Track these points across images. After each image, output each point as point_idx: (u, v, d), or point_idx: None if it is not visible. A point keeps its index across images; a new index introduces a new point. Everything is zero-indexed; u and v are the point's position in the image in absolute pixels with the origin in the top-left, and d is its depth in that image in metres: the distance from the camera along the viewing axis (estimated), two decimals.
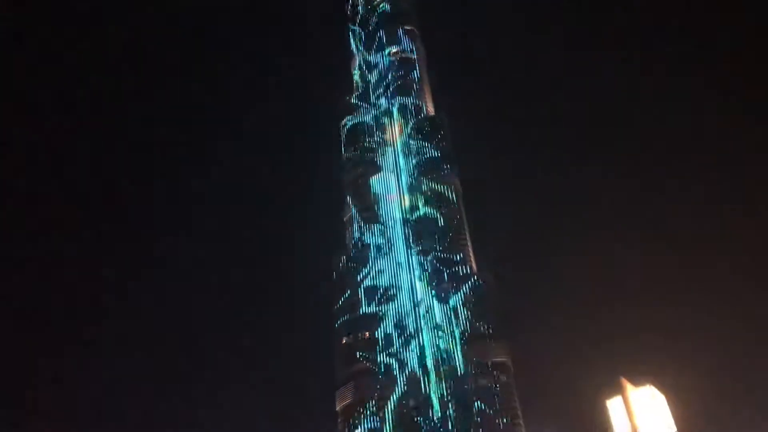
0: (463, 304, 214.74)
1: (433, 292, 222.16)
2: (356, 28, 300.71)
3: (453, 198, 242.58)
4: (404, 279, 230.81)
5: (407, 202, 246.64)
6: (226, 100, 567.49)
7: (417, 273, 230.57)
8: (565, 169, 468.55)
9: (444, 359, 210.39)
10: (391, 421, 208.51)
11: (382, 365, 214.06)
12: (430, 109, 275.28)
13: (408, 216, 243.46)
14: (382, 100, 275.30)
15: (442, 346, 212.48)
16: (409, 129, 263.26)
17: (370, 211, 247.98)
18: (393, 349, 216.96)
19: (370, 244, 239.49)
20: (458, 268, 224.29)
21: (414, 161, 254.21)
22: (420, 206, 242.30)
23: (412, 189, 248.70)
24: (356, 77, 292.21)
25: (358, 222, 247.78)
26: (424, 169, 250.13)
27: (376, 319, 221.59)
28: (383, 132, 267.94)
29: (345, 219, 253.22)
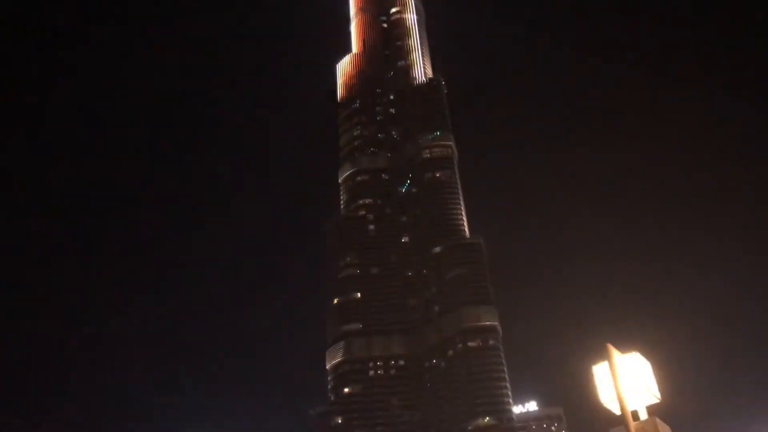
0: (455, 266, 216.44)
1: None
2: None
3: (448, 161, 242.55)
4: (398, 241, 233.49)
5: (402, 165, 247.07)
6: (218, 55, 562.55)
7: (409, 234, 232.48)
8: (562, 142, 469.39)
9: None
10: None
11: None
12: (428, 70, 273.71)
13: (403, 178, 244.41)
14: (381, 62, 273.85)
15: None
16: (406, 91, 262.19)
17: (366, 174, 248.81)
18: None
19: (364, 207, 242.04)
20: (451, 230, 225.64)
21: (410, 125, 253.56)
22: (415, 170, 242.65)
23: (407, 151, 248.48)
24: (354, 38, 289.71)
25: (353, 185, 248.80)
26: (421, 132, 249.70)
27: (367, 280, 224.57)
28: (380, 94, 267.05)
29: (340, 181, 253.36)
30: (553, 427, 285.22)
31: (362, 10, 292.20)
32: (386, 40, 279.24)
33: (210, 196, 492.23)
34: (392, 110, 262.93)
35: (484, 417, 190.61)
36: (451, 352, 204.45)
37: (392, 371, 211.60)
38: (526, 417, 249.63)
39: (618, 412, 16.03)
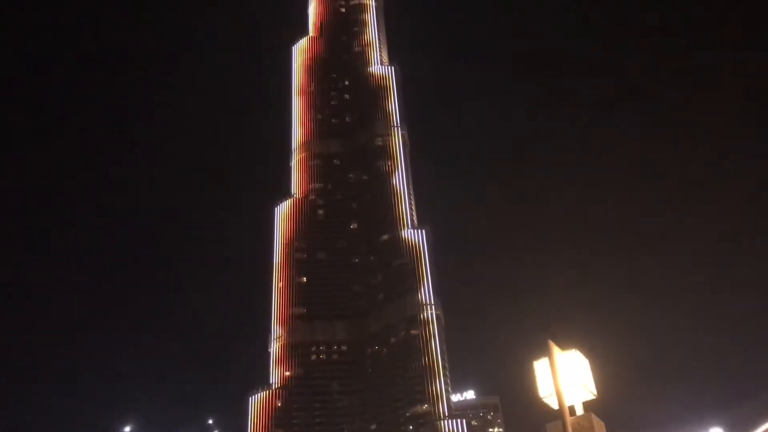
0: (401, 255, 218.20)
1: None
2: None
3: (399, 150, 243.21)
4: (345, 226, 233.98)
5: (354, 152, 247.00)
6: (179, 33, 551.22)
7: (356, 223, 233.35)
8: (517, 138, 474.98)
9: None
10: None
11: None
12: (384, 58, 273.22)
13: (354, 165, 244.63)
14: (338, 47, 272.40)
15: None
16: (361, 78, 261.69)
17: (318, 159, 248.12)
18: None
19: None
20: (399, 219, 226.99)
21: (364, 111, 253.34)
22: (367, 157, 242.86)
23: (360, 138, 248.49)
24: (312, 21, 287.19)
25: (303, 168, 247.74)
26: (374, 119, 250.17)
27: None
28: (335, 79, 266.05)
29: (292, 163, 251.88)
30: (489, 416, 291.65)
31: None
32: (344, 25, 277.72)
33: (156, 175, 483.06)
34: (347, 96, 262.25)
35: (423, 404, 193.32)
36: (393, 340, 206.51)
37: (334, 356, 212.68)
38: (464, 405, 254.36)
39: (556, 407, 16.96)
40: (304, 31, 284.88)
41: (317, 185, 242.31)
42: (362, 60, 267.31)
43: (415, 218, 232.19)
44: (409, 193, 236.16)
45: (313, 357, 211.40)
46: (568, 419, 16.53)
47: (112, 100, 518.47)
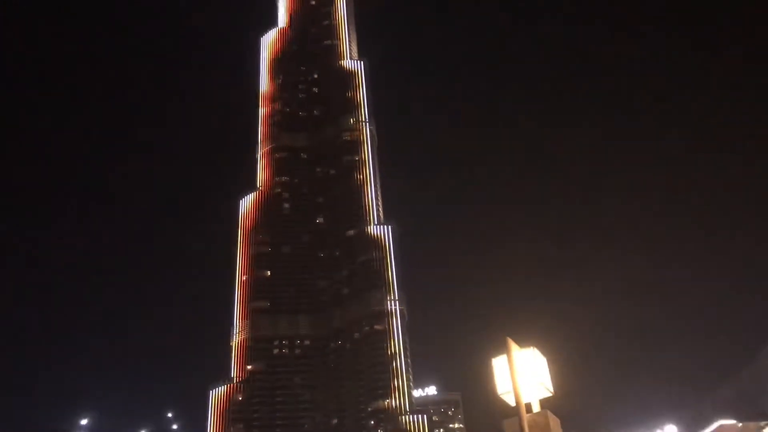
0: (366, 251, 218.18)
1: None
2: None
3: (366, 145, 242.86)
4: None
5: (321, 146, 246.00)
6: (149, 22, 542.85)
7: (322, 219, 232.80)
8: (482, 135, 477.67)
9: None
10: None
11: None
12: (353, 52, 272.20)
13: (321, 159, 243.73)
14: (307, 40, 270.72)
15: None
16: (330, 71, 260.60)
17: (285, 152, 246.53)
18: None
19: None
20: (365, 215, 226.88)
21: (332, 105, 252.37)
22: (334, 151, 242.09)
23: (328, 132, 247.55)
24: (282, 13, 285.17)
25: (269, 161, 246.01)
26: (342, 113, 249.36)
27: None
28: (304, 72, 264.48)
29: (258, 155, 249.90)
30: (450, 412, 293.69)
31: None
32: (314, 18, 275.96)
33: (128, 168, 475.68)
34: (315, 89, 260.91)
35: (385, 399, 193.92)
36: (356, 335, 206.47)
37: (297, 351, 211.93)
38: (425, 401, 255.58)
39: (513, 404, 17.12)
40: (273, 23, 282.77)
41: (283, 179, 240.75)
42: (332, 53, 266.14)
43: (381, 214, 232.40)
44: (375, 189, 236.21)
45: (276, 351, 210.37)
46: (525, 416, 16.70)
47: (75, 97, 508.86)
